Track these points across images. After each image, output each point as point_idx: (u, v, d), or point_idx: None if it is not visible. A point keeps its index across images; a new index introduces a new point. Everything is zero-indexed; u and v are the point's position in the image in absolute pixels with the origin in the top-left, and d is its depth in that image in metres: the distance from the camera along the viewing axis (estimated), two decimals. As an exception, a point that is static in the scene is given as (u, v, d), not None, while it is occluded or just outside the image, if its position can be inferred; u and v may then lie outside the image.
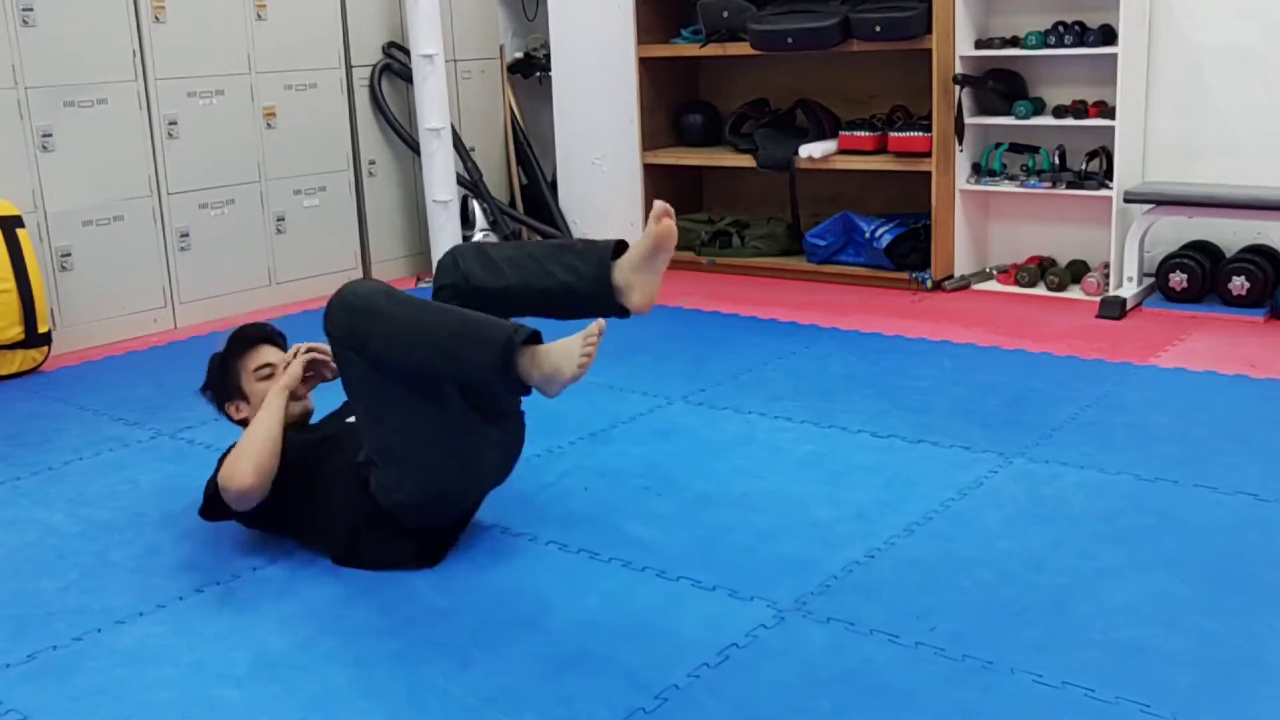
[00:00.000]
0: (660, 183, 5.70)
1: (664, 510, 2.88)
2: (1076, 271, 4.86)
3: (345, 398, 2.66)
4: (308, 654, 2.28)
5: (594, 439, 3.38)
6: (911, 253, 5.03)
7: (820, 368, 3.97)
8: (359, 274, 5.60)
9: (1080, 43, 4.64)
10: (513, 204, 6.17)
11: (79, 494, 3.15)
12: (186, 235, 4.95)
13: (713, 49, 5.34)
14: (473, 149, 5.88)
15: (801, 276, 5.29)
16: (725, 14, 5.25)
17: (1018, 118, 4.83)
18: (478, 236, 5.68)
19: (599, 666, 2.18)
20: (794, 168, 5.18)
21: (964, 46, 4.85)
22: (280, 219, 5.27)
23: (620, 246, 2.60)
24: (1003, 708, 2.01)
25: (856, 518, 2.78)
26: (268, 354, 2.86)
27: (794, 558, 2.59)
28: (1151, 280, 4.68)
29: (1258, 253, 4.47)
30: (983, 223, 5.19)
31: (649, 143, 5.64)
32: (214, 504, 2.70)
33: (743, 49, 5.22)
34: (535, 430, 3.44)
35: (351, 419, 2.70)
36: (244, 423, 2.80)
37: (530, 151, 6.20)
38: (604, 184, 6.00)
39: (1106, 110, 4.66)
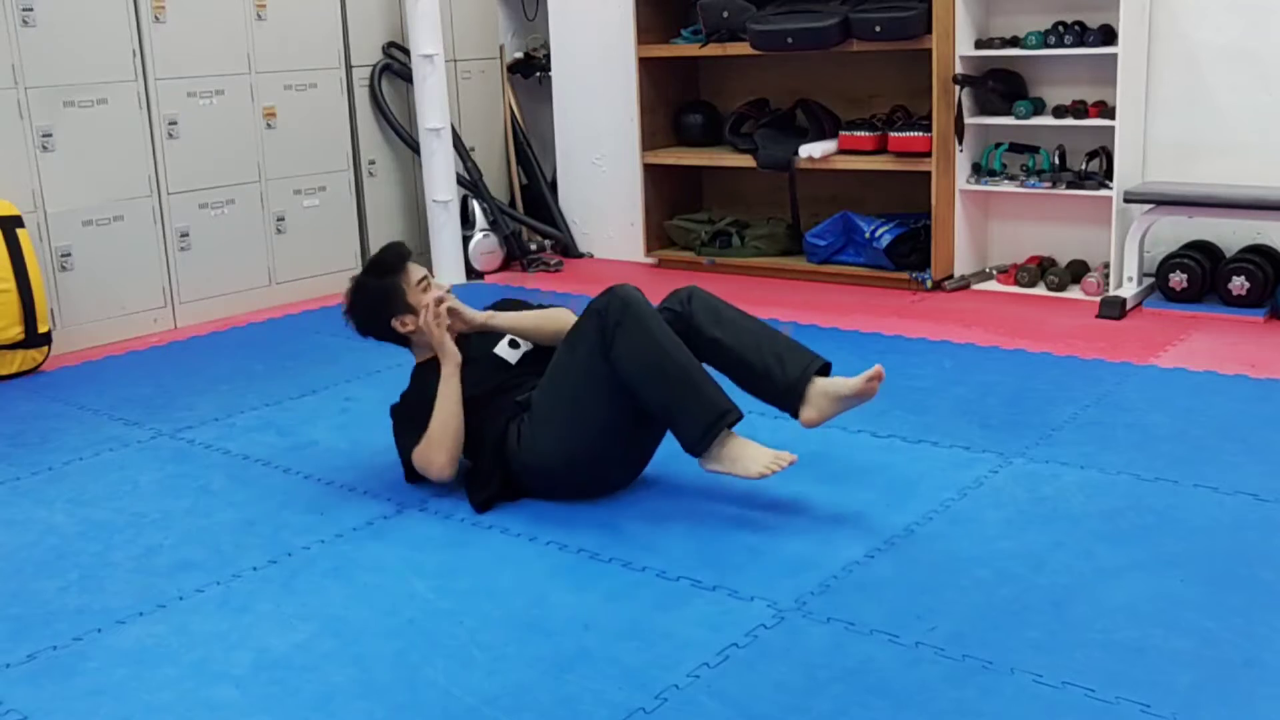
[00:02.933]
0: (660, 183, 5.70)
1: (664, 510, 2.88)
2: (1076, 271, 4.86)
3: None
4: (308, 654, 2.28)
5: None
6: (911, 253, 5.03)
7: (820, 368, 3.97)
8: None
9: (1080, 43, 4.64)
10: (513, 204, 6.17)
11: (79, 494, 3.15)
12: (186, 235, 4.95)
13: (713, 49, 5.34)
14: (473, 149, 5.88)
15: (801, 276, 5.29)
16: (725, 14, 5.25)
17: (1018, 118, 4.83)
18: (478, 236, 5.68)
19: (599, 666, 2.19)
20: (794, 168, 5.18)
21: (964, 46, 4.85)
22: (280, 219, 5.27)
23: (825, 368, 2.85)
24: (1003, 708, 2.01)
25: (856, 518, 2.78)
26: (418, 269, 3.04)
27: (794, 558, 2.59)
28: (1151, 280, 4.68)
29: (1257, 253, 4.47)
30: (983, 223, 5.19)
31: (649, 143, 5.64)
32: (416, 474, 3.01)
33: (743, 49, 5.22)
34: (535, 430, 3.45)
35: (507, 352, 3.02)
36: (411, 334, 3.01)
37: (530, 151, 6.20)
38: (604, 184, 6.00)
39: (1106, 110, 4.66)
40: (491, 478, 2.90)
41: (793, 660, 2.18)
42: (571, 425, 2.81)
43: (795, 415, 2.83)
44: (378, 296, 3.01)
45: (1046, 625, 2.26)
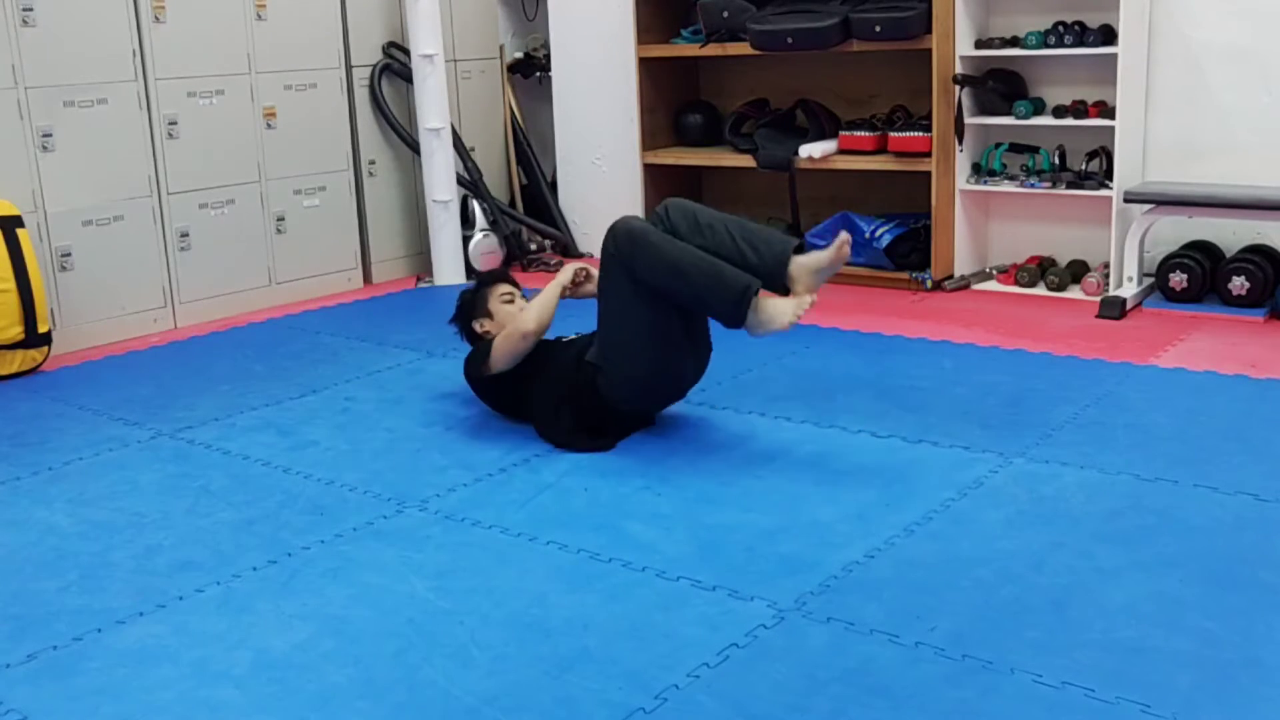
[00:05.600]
0: (660, 183, 5.70)
1: (664, 510, 2.88)
2: (1076, 271, 4.86)
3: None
4: (308, 654, 2.28)
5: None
6: (911, 253, 5.03)
7: (820, 368, 3.97)
8: (359, 274, 5.61)
9: (1080, 43, 4.64)
10: (513, 204, 6.17)
11: (79, 494, 3.15)
12: (186, 235, 4.95)
13: (713, 49, 5.34)
14: (473, 149, 5.88)
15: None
16: (725, 14, 5.24)
17: (1018, 118, 4.83)
18: (478, 236, 5.68)
19: (599, 666, 2.19)
20: (794, 168, 5.18)
21: (964, 46, 4.85)
22: (280, 219, 5.27)
23: (799, 246, 3.20)
24: (1003, 708, 2.01)
25: (856, 518, 2.78)
26: (507, 287, 3.62)
27: (794, 558, 2.59)
28: (1151, 280, 4.68)
29: (1258, 253, 4.47)
30: (983, 223, 5.19)
31: (649, 143, 5.64)
32: (478, 379, 3.46)
33: (743, 49, 5.22)
34: (535, 431, 3.45)
35: (568, 338, 3.50)
36: (485, 334, 3.54)
37: (530, 151, 6.21)
38: (604, 184, 6.00)
39: (1106, 110, 4.66)
40: (581, 428, 3.33)
41: (792, 660, 2.18)
42: (639, 344, 3.23)
43: (786, 290, 3.16)
44: (469, 299, 3.63)
45: (1046, 625, 2.26)
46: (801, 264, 3.15)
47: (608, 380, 3.27)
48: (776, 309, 3.10)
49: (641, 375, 3.29)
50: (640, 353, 3.25)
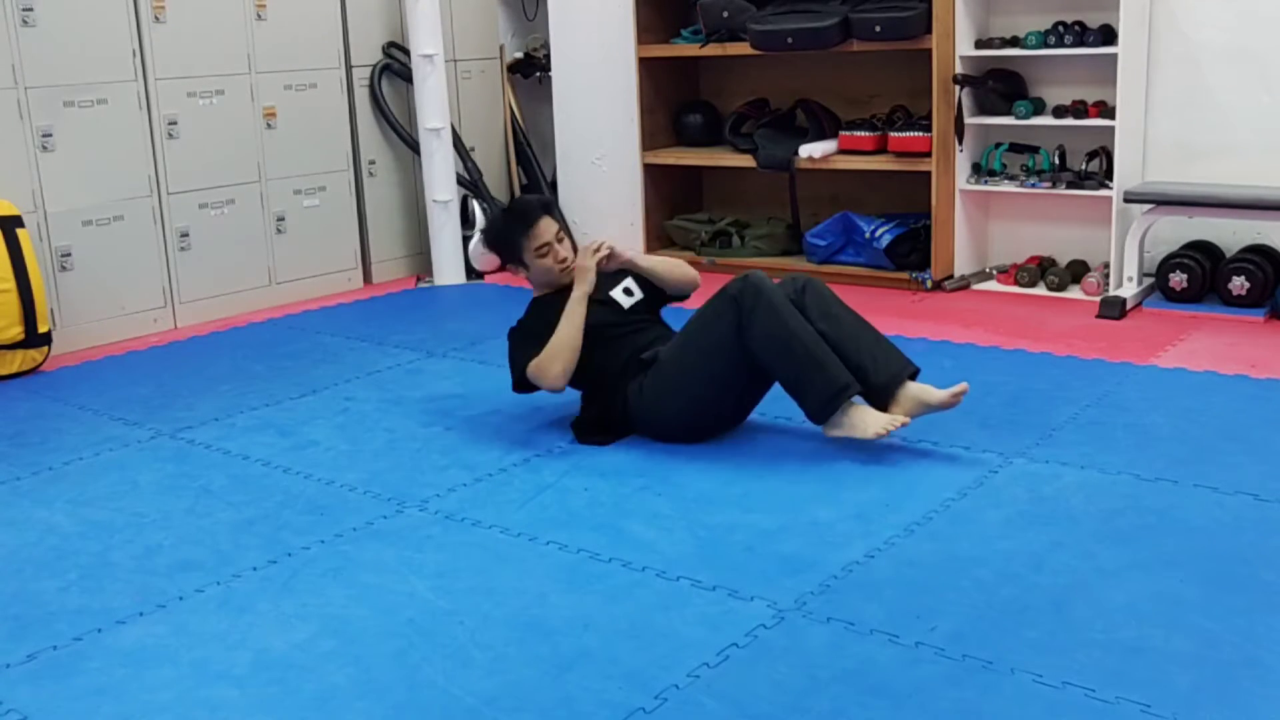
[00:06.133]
0: (660, 183, 5.70)
1: (664, 510, 2.88)
2: (1076, 271, 4.86)
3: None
4: (308, 654, 2.28)
5: (594, 439, 3.38)
6: (911, 253, 5.03)
7: (820, 368, 3.97)
8: (359, 274, 5.61)
9: (1080, 43, 4.64)
10: (513, 204, 6.16)
11: (79, 494, 3.15)
12: (186, 235, 4.95)
13: (713, 49, 5.34)
14: (473, 149, 5.88)
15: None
16: (725, 14, 5.24)
17: (1018, 118, 4.83)
18: (478, 236, 5.68)
19: (599, 666, 2.18)
20: (794, 168, 5.18)
21: (964, 46, 4.85)
22: (280, 219, 5.27)
23: (915, 373, 3.19)
24: (1003, 708, 2.01)
25: (856, 518, 2.78)
26: (545, 231, 3.38)
27: (794, 558, 2.59)
28: (1151, 280, 4.68)
29: (1258, 253, 4.47)
30: (983, 223, 5.19)
31: (649, 143, 5.64)
32: (524, 384, 3.36)
33: (743, 49, 5.22)
34: (535, 430, 3.45)
35: (621, 298, 3.43)
36: (526, 274, 3.46)
37: (530, 151, 6.20)
38: (604, 184, 6.00)
39: (1106, 110, 4.66)
40: (598, 423, 3.34)
41: (792, 660, 2.18)
42: (701, 389, 3.22)
43: (882, 405, 3.15)
44: (500, 239, 3.48)
45: (1046, 625, 2.26)
46: (913, 392, 3.13)
47: (646, 393, 3.26)
48: (866, 419, 3.06)
49: (671, 416, 3.27)
50: (687, 404, 3.24)
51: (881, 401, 3.14)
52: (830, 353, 3.10)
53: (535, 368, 3.28)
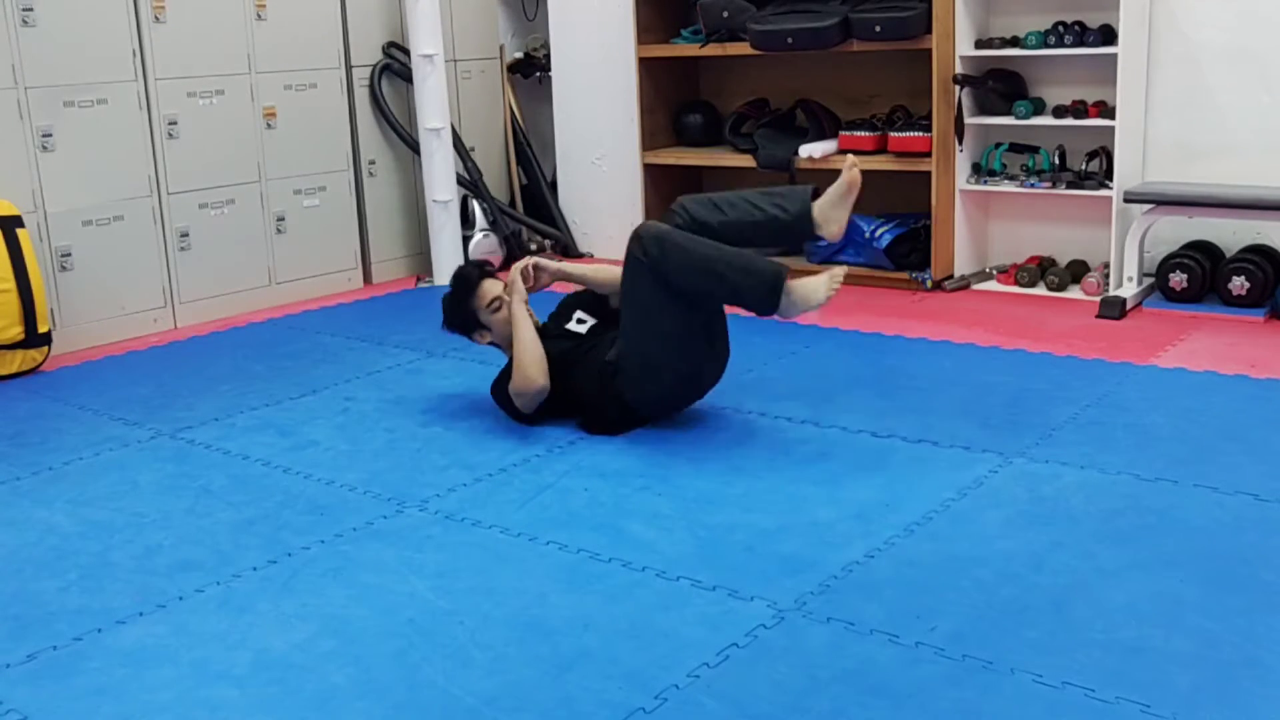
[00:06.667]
0: (660, 183, 5.70)
1: (664, 510, 2.88)
2: (1076, 271, 4.86)
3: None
4: (308, 654, 2.28)
5: (594, 439, 3.38)
6: (911, 253, 5.03)
7: (820, 368, 3.97)
8: (359, 274, 5.61)
9: (1080, 43, 4.64)
10: (513, 204, 6.17)
11: (79, 494, 3.15)
12: (186, 235, 4.95)
13: (713, 49, 5.34)
14: (473, 149, 5.88)
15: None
16: (725, 14, 5.24)
17: (1018, 118, 4.83)
18: (478, 236, 5.68)
19: (599, 666, 2.19)
20: (794, 168, 5.18)
21: (964, 46, 4.85)
22: (280, 219, 5.27)
23: (816, 191, 3.35)
24: (1003, 708, 2.01)
25: (856, 518, 2.78)
26: (490, 290, 3.53)
27: (794, 558, 2.59)
28: (1151, 280, 4.68)
29: (1258, 253, 4.47)
30: (983, 223, 5.19)
31: (649, 143, 5.64)
32: (511, 409, 3.46)
33: (743, 49, 5.22)
34: (535, 430, 3.46)
35: (576, 327, 3.54)
36: (490, 345, 3.59)
37: (530, 151, 6.20)
38: (604, 184, 6.00)
39: (1106, 110, 4.66)
40: (606, 422, 3.40)
41: (792, 660, 2.18)
42: (665, 355, 3.28)
43: (819, 237, 3.36)
44: (454, 312, 3.58)
45: (1046, 625, 2.26)
46: (822, 204, 3.33)
47: (631, 385, 3.32)
48: (808, 288, 3.17)
49: (668, 384, 3.36)
50: (666, 364, 3.31)
51: (810, 230, 3.34)
52: (746, 253, 3.20)
53: (514, 384, 3.39)
